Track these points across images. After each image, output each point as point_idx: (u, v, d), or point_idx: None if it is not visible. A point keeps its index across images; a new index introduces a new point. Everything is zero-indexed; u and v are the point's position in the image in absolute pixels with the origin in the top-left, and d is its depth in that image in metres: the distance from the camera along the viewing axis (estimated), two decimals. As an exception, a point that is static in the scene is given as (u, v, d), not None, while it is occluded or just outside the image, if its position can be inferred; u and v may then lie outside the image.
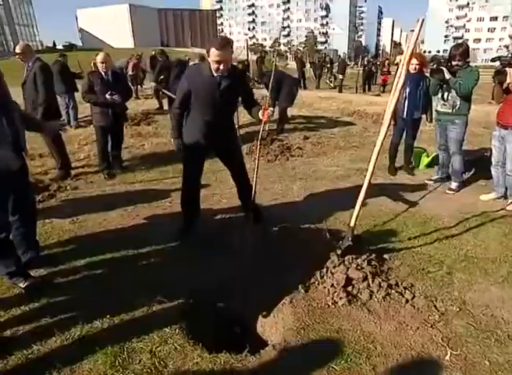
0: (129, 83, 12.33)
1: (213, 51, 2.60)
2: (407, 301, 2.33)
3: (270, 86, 4.60)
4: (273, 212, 3.67)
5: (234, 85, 2.83)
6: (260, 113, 2.76)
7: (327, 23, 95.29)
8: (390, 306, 2.29)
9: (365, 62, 17.96)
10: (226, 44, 2.62)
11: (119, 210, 3.75)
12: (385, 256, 2.79)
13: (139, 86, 13.08)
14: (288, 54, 69.67)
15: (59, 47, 56.25)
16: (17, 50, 4.60)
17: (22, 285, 2.44)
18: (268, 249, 2.90)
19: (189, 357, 1.92)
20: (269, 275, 2.57)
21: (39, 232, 2.94)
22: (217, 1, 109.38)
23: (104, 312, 2.20)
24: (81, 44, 63.61)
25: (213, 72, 2.73)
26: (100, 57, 4.57)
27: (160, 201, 3.95)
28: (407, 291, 2.40)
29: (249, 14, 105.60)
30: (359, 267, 2.51)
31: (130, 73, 12.14)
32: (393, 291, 2.39)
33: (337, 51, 69.52)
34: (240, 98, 3.09)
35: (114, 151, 5.02)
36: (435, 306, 2.30)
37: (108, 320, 2.15)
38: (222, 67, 2.66)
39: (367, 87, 16.47)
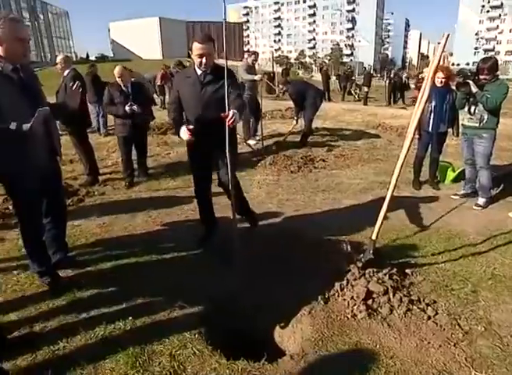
0: (157, 94, 12.86)
1: (196, 45, 2.68)
2: (429, 317, 2.28)
3: (293, 97, 4.64)
4: (295, 223, 3.68)
5: (218, 80, 2.77)
6: (230, 117, 2.53)
7: (353, 35, 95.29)
8: (411, 322, 2.25)
9: (391, 75, 17.80)
10: (209, 38, 2.71)
11: (144, 216, 3.86)
12: (408, 271, 2.74)
13: (166, 96, 13.46)
14: (313, 66, 69.96)
15: (92, 58, 58.67)
16: (57, 60, 4.87)
17: (51, 285, 2.55)
18: (289, 259, 2.91)
19: (207, 362, 1.95)
20: (289, 285, 2.58)
21: (68, 234, 3.06)
22: (244, 15, 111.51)
23: (126, 314, 2.27)
24: (112, 55, 66.10)
25: (196, 69, 2.80)
26: (116, 71, 4.70)
27: (183, 209, 4.04)
28: (429, 308, 2.35)
29: (275, 26, 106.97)
30: (380, 281, 2.48)
31: (158, 83, 12.53)
32: (415, 307, 2.35)
33: (363, 63, 69.21)
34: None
35: (139, 159, 5.18)
36: (458, 324, 2.24)
37: (130, 322, 2.22)
38: (204, 60, 2.70)
39: (392, 99, 16.31)
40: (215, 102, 2.75)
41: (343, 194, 4.53)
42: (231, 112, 2.52)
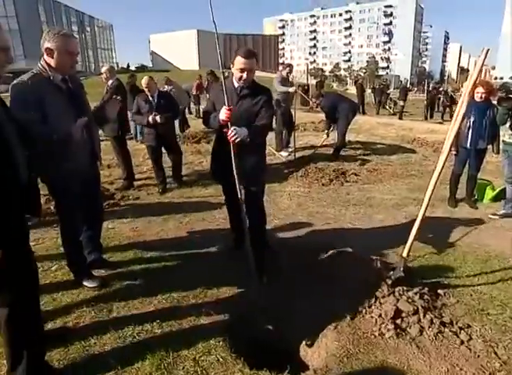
0: (194, 103, 13.22)
1: (238, 59, 2.63)
2: (462, 342, 2.18)
3: (325, 109, 4.63)
4: (324, 236, 3.65)
5: (254, 96, 2.74)
6: (229, 132, 2.52)
7: (389, 48, 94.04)
8: (442, 345, 2.15)
9: (429, 89, 17.36)
10: (252, 54, 2.66)
11: (175, 222, 3.96)
12: (440, 292, 2.64)
13: (201, 106, 13.81)
14: (348, 79, 69.48)
15: (132, 68, 61.22)
16: (103, 70, 5.15)
17: (86, 283, 2.66)
18: (317, 273, 2.88)
19: (230, 370, 1.96)
20: (316, 298, 2.55)
21: (102, 236, 3.18)
22: (280, 27, 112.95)
23: (154, 317, 2.33)
24: (151, 66, 68.69)
25: (234, 82, 2.75)
26: (143, 82, 4.88)
27: (214, 217, 4.10)
28: (462, 332, 2.25)
29: (310, 39, 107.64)
30: (410, 300, 2.41)
31: (194, 93, 12.89)
32: (447, 330, 2.25)
33: (399, 76, 68.02)
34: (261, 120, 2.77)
35: (172, 166, 5.32)
36: (495, 353, 2.11)
37: (157, 325, 2.27)
38: (245, 76, 2.65)
39: (429, 114, 15.89)
40: (247, 118, 2.72)
41: (375, 209, 4.44)
42: (231, 129, 2.49)
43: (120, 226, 3.84)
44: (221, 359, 2.02)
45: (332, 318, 2.35)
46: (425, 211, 2.48)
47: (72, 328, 2.25)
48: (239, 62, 2.63)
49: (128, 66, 67.69)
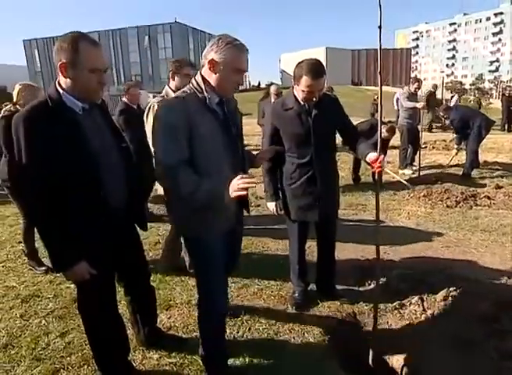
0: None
1: (306, 79, 2.24)
2: None
3: (454, 123, 4.32)
4: (440, 259, 3.45)
5: (329, 112, 2.41)
6: (369, 157, 2.19)
7: (554, 53, 79.36)
8: None
9: None
10: (321, 72, 2.25)
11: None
12: None
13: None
14: (494, 91, 61.02)
15: (263, 85, 65.44)
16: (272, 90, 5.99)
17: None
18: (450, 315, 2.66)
19: None
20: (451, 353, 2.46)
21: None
22: (413, 39, 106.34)
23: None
24: (281, 83, 72.41)
25: (299, 100, 2.37)
26: (273, 88, 5.43)
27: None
28: None
29: (448, 50, 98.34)
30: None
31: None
32: None
33: None
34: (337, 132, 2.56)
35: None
36: None
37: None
38: (316, 97, 2.31)
39: None
40: (326, 136, 2.44)
41: (508, 237, 3.95)
42: (381, 156, 2.09)
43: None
44: None
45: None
46: None
47: (185, 338, 2.40)
48: (307, 82, 2.24)
49: (259, 83, 72.63)
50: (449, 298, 2.66)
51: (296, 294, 2.74)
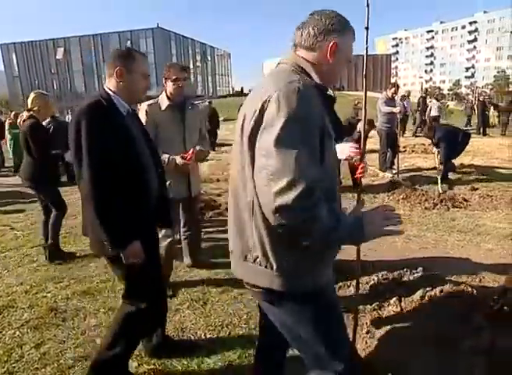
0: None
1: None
2: None
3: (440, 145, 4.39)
4: (418, 260, 3.52)
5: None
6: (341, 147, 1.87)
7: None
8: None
9: None
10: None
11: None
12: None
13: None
14: (470, 97, 62.96)
15: (246, 91, 65.79)
16: None
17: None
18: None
19: None
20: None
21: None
22: (393, 46, 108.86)
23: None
24: (262, 89, 72.88)
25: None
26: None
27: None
28: None
29: (427, 56, 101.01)
30: None
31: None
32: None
33: (538, 92, 58.82)
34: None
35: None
36: None
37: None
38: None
39: None
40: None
41: (483, 237, 4.08)
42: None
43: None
44: None
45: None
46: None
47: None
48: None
49: (242, 89, 72.92)
50: (426, 298, 2.71)
51: None
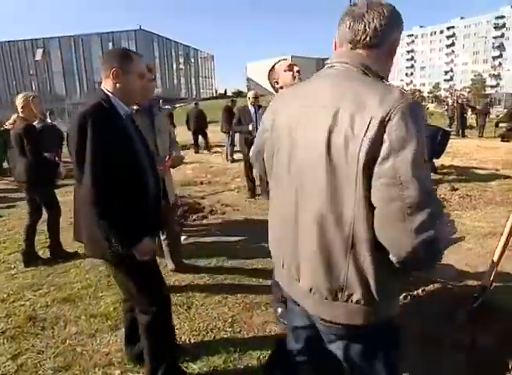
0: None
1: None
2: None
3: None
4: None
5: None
6: None
7: (500, 63, 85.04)
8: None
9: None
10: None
11: (260, 239, 4.23)
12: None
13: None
14: (449, 99, 64.56)
15: (229, 93, 65.76)
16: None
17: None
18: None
19: None
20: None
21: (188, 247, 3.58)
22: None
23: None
24: (247, 91, 73.09)
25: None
26: (252, 93, 5.79)
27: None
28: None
29: (407, 59, 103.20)
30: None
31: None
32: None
33: (512, 94, 60.83)
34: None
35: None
36: None
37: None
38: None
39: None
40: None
41: (462, 236, 4.17)
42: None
43: (207, 238, 4.26)
44: None
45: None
46: (508, 238, 2.34)
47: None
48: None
49: (225, 91, 72.89)
50: (408, 299, 2.75)
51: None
